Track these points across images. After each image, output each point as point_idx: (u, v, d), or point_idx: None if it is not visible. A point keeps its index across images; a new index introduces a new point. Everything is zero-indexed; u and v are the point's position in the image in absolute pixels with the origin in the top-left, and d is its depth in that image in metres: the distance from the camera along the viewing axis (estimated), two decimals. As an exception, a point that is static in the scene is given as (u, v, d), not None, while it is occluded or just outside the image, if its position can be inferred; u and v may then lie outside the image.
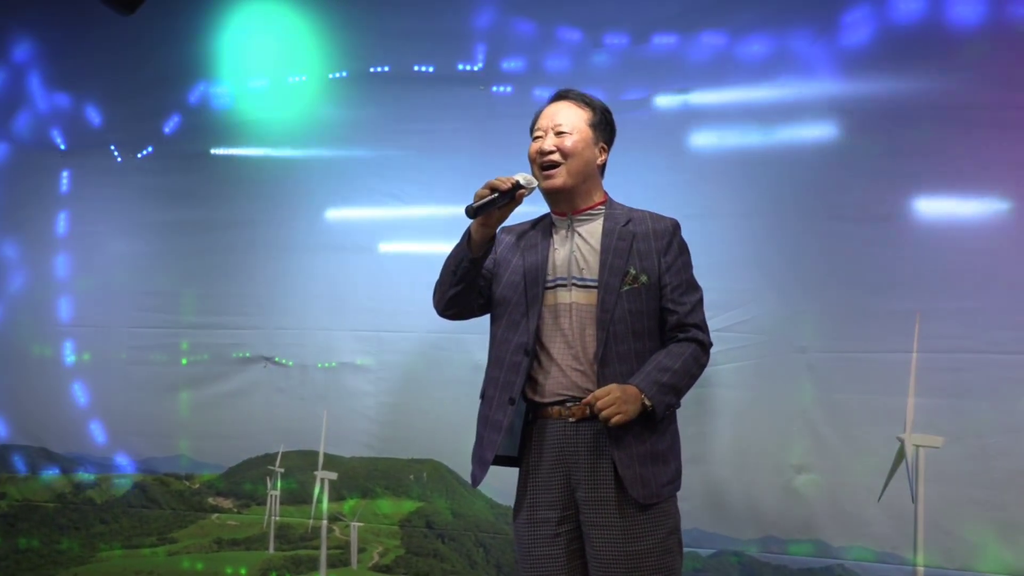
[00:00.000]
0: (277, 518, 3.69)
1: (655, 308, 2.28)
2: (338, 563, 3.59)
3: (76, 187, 4.06)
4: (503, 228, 2.35)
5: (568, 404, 2.23)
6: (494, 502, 3.38)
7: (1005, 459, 2.79)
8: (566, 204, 2.34)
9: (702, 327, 2.31)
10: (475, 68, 3.51)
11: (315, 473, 3.63)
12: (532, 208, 2.39)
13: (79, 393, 3.99)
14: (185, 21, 3.89)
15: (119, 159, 4.00)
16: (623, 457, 2.16)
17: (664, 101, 3.24)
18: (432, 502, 3.49)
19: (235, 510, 3.76)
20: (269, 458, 3.70)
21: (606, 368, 2.20)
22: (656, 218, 2.35)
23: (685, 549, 2.32)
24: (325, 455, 3.63)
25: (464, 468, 3.37)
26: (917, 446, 2.87)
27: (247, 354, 3.75)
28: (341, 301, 3.62)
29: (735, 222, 3.11)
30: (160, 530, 3.84)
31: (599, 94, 2.42)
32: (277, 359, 3.71)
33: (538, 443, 2.26)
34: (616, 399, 2.11)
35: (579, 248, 2.30)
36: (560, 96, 2.39)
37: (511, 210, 2.24)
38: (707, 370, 2.33)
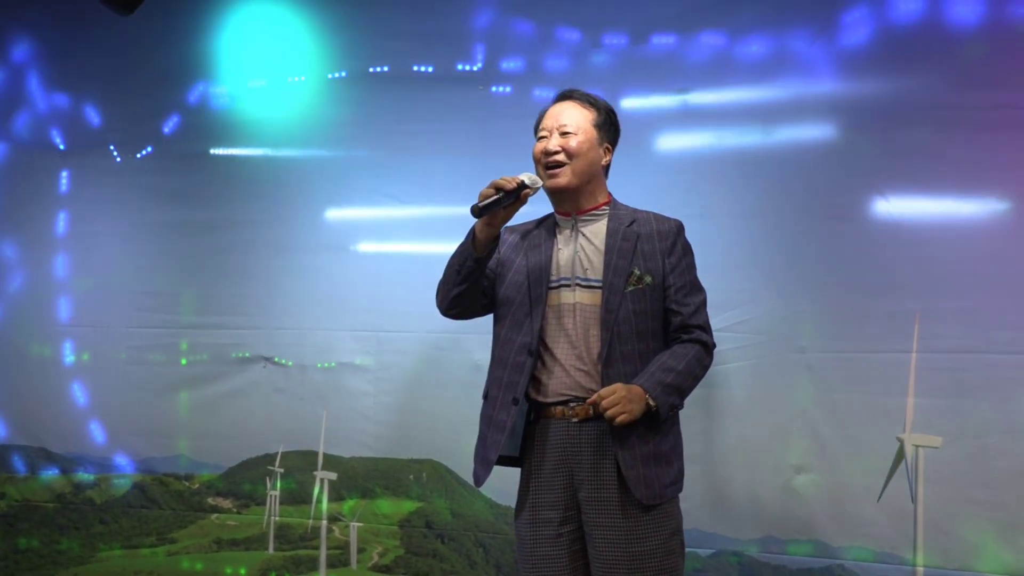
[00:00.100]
0: (277, 518, 3.69)
1: (659, 309, 2.28)
2: (338, 563, 3.59)
3: (75, 187, 4.06)
4: (507, 227, 2.35)
5: (571, 404, 2.22)
6: (494, 502, 3.38)
7: (1004, 459, 2.79)
8: (570, 204, 2.34)
9: (706, 328, 2.31)
10: (474, 68, 3.51)
11: (314, 473, 3.63)
12: (536, 208, 2.39)
13: (78, 393, 3.99)
14: (184, 21, 3.88)
15: (118, 159, 4.00)
16: (627, 457, 2.16)
17: (663, 101, 3.24)
18: (432, 502, 3.49)
19: (235, 510, 3.76)
20: (268, 458, 3.70)
21: (610, 368, 2.20)
22: (660, 219, 2.35)
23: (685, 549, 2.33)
24: (324, 455, 3.63)
25: (463, 468, 3.40)
26: (916, 446, 2.87)
27: (246, 354, 3.75)
28: (340, 301, 3.62)
29: (734, 222, 3.11)
30: (160, 530, 3.84)
31: (598, 94, 2.41)
32: (276, 359, 3.71)
33: (540, 443, 2.26)
34: (621, 398, 2.11)
35: (583, 248, 2.30)
36: (565, 96, 2.39)
37: (516, 210, 2.24)
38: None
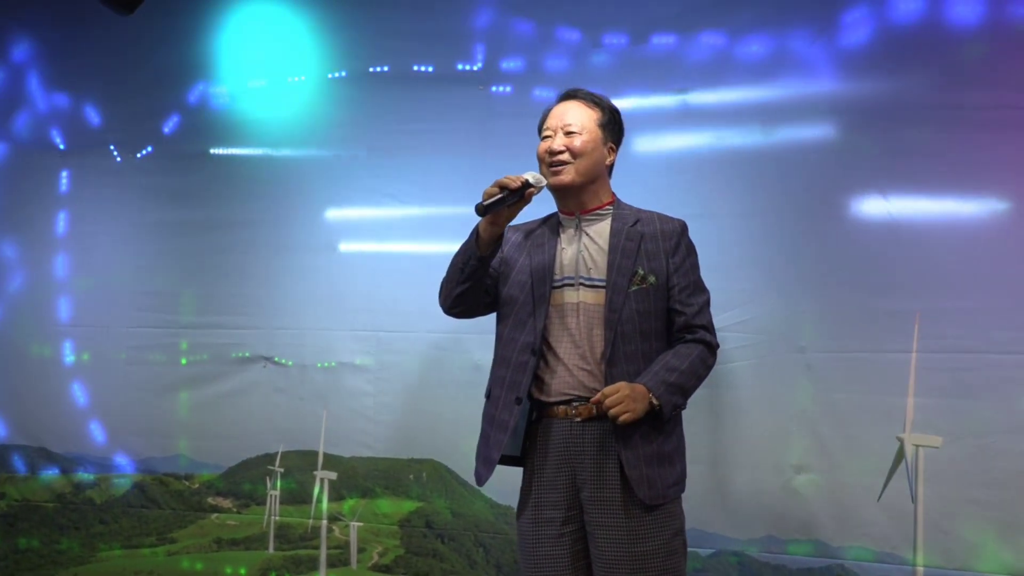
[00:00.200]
0: (277, 518, 3.69)
1: (663, 309, 2.28)
2: (338, 563, 3.59)
3: (75, 187, 4.06)
4: (511, 226, 2.34)
5: (574, 404, 2.23)
6: (494, 502, 3.38)
7: (1004, 459, 2.79)
8: (574, 203, 2.34)
9: (709, 328, 2.31)
10: (474, 68, 3.51)
11: (314, 473, 3.63)
12: (539, 208, 2.39)
13: (78, 393, 3.98)
14: (184, 21, 3.88)
15: (118, 159, 4.00)
16: (630, 457, 2.16)
17: (663, 101, 3.24)
18: (432, 502, 3.49)
19: (235, 510, 3.76)
20: (268, 458, 3.70)
21: (614, 368, 2.20)
22: (664, 219, 2.35)
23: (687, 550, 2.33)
24: (324, 455, 3.63)
25: (464, 468, 3.41)
26: (916, 446, 2.87)
27: (246, 354, 3.75)
28: (340, 301, 3.62)
29: (734, 222, 3.11)
30: (160, 530, 3.84)
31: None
32: (276, 359, 3.71)
33: (543, 443, 2.26)
34: (625, 397, 2.11)
35: (587, 248, 2.30)
36: (569, 95, 2.39)
37: (520, 209, 2.24)
38: (707, 370, 2.33)
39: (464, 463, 3.37)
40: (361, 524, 3.57)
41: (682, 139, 3.23)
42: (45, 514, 4.00)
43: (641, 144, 3.16)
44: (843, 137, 3.05)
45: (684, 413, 2.32)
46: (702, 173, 3.18)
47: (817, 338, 3.02)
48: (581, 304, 2.26)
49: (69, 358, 4.01)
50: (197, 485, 3.81)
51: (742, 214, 3.12)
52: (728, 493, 3.08)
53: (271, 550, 3.68)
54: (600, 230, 2.32)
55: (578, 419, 2.22)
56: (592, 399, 2.17)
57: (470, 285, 2.30)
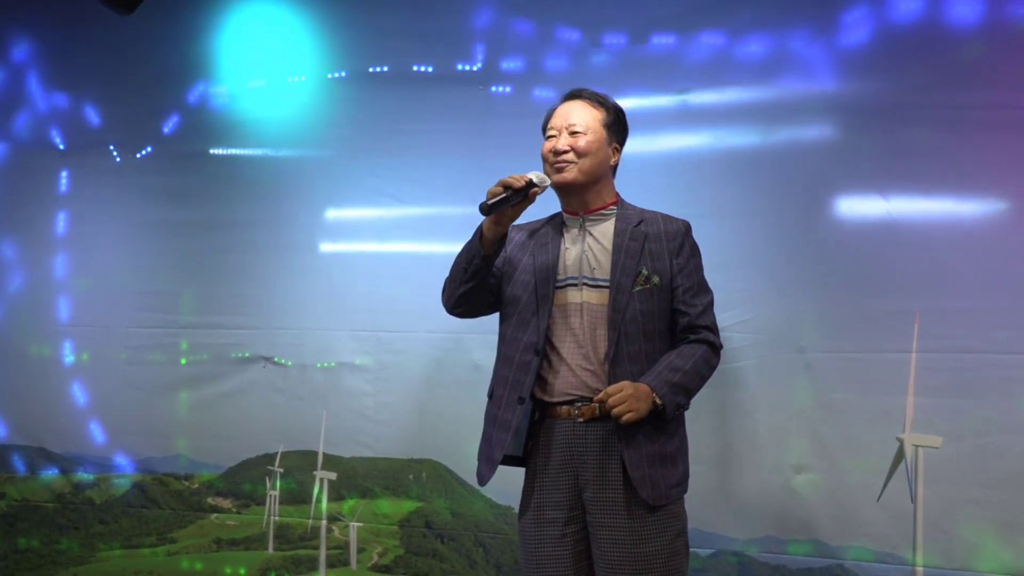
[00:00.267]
0: (276, 518, 3.69)
1: (666, 309, 2.28)
2: (337, 563, 3.59)
3: (75, 187, 4.06)
4: (514, 226, 2.33)
5: (577, 404, 2.22)
6: (493, 502, 3.38)
7: (1004, 459, 2.78)
8: (578, 202, 2.34)
9: (713, 329, 2.32)
10: (474, 68, 3.51)
11: (314, 473, 3.63)
12: (543, 208, 2.39)
13: (78, 393, 3.98)
14: (184, 21, 3.88)
15: (118, 159, 4.00)
16: (633, 457, 2.16)
17: (663, 101, 3.24)
18: (431, 502, 3.49)
19: (234, 510, 3.76)
20: (268, 458, 3.70)
21: (617, 368, 2.20)
22: (668, 219, 2.36)
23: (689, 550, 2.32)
24: (324, 455, 3.63)
25: (463, 468, 3.41)
26: (916, 446, 2.87)
27: (246, 354, 3.75)
28: (340, 301, 3.62)
29: (733, 222, 3.11)
30: (159, 530, 3.84)
31: (601, 94, 2.41)
32: (276, 359, 3.71)
33: (546, 443, 2.26)
34: (628, 396, 2.11)
35: (591, 248, 2.30)
36: (574, 95, 2.39)
37: (524, 208, 2.24)
38: (706, 369, 2.33)
39: (464, 463, 3.37)
40: (361, 524, 3.57)
41: (681, 139, 3.23)
42: (45, 514, 4.00)
43: (640, 144, 3.15)
44: (843, 137, 3.05)
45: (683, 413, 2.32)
46: (701, 173, 3.18)
47: (816, 338, 3.02)
48: (585, 304, 2.26)
49: (69, 358, 4.01)
50: (197, 485, 3.81)
51: (742, 214, 3.12)
52: (728, 493, 3.07)
53: (271, 550, 3.68)
54: (604, 230, 2.32)
55: (581, 419, 2.22)
56: (595, 398, 2.17)
57: (473, 285, 2.30)
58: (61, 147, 4.09)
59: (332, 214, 3.69)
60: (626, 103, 2.45)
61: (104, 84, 4.01)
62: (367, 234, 3.63)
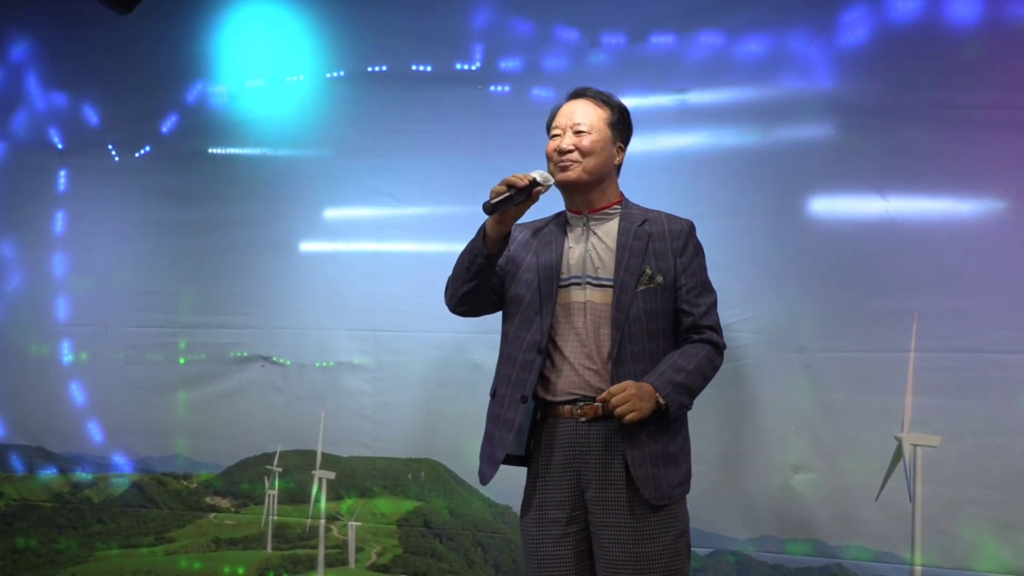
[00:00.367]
0: (275, 517, 3.69)
1: (670, 309, 2.28)
2: (336, 562, 3.58)
3: (74, 186, 4.06)
4: (517, 225, 2.33)
5: (580, 403, 2.22)
6: (492, 502, 3.38)
7: (1003, 459, 2.78)
8: (582, 201, 2.34)
9: (716, 329, 2.32)
10: (473, 68, 3.51)
11: (313, 472, 3.63)
12: (546, 207, 2.39)
13: (76, 393, 3.98)
14: (183, 21, 3.88)
15: (117, 158, 4.00)
16: (636, 457, 2.16)
17: (662, 101, 3.24)
18: (430, 501, 3.49)
19: (233, 509, 3.76)
20: (267, 457, 3.70)
21: (620, 368, 2.20)
22: (672, 219, 2.36)
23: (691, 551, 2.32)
24: (323, 454, 3.63)
25: (462, 467, 3.40)
26: (915, 445, 2.87)
27: (245, 353, 3.75)
28: (339, 301, 3.62)
29: (733, 222, 3.11)
30: (158, 529, 3.84)
31: (602, 94, 2.41)
32: (275, 358, 3.71)
33: (548, 442, 2.25)
34: (631, 395, 2.11)
35: (594, 247, 2.30)
36: (578, 94, 2.39)
37: (527, 207, 2.24)
38: (705, 369, 2.32)
39: (462, 463, 3.37)
40: (359, 523, 3.56)
41: (681, 139, 3.23)
42: (43, 513, 3.99)
43: (640, 144, 3.14)
44: (842, 137, 3.05)
45: (681, 412, 2.32)
46: (701, 173, 3.18)
47: (816, 337, 3.01)
48: (588, 303, 2.26)
49: (67, 358, 4.01)
50: (195, 485, 3.81)
51: (741, 213, 3.11)
52: (726, 492, 3.07)
53: (269, 550, 3.68)
54: (608, 229, 2.32)
55: (583, 419, 2.21)
56: (598, 398, 2.17)
57: (476, 283, 2.30)
58: (60, 146, 4.08)
59: (331, 214, 3.69)
60: (625, 103, 2.46)
61: (103, 84, 4.01)
62: (366, 234, 3.63)
